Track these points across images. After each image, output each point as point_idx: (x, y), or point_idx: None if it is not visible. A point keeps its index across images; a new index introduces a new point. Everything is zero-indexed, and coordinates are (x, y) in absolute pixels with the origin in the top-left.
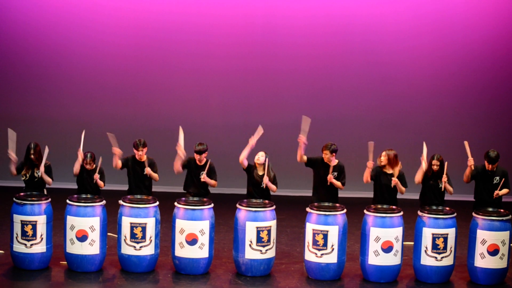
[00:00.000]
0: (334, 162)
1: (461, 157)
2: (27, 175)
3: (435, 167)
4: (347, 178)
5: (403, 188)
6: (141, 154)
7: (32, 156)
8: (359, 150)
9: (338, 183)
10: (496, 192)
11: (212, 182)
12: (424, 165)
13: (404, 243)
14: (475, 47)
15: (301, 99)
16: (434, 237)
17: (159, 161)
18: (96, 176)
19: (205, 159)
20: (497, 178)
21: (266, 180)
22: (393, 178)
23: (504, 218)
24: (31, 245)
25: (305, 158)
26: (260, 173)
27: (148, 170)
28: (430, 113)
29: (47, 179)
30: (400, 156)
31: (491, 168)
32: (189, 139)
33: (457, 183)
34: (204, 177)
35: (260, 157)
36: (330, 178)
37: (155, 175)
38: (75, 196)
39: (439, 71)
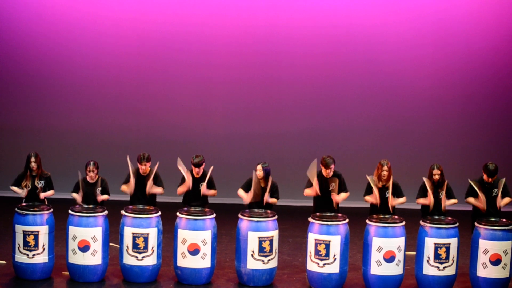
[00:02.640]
0: (332, 173)
1: (462, 165)
2: (29, 185)
3: (436, 177)
4: (349, 187)
5: (403, 200)
6: (145, 169)
7: (32, 165)
8: (361, 159)
9: (343, 197)
10: (498, 203)
11: (211, 192)
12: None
13: (406, 253)
14: (476, 57)
15: (304, 108)
16: (436, 247)
17: (161, 171)
18: (100, 198)
19: (202, 171)
20: (495, 190)
21: (266, 197)
22: (390, 204)
23: (506, 228)
24: (33, 255)
25: (307, 190)
26: (262, 185)
27: (150, 189)
28: (431, 122)
29: (49, 193)
30: (401, 165)
31: (490, 180)
32: (191, 149)
33: (457, 192)
34: (204, 190)
35: (259, 171)
36: (337, 201)
37: (158, 190)
38: (77, 206)
39: (441, 81)
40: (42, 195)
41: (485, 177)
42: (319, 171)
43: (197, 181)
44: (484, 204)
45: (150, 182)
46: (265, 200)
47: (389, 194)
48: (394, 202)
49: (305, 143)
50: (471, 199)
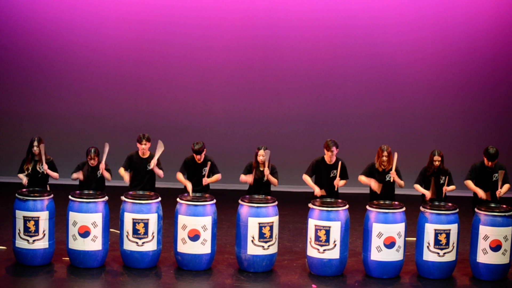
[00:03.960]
0: (334, 158)
1: (461, 150)
2: (30, 169)
3: (436, 163)
4: (350, 173)
5: (402, 182)
6: (145, 149)
7: (34, 149)
8: (361, 144)
9: (343, 182)
10: (498, 192)
11: (214, 178)
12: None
13: (406, 238)
14: (476, 41)
15: (304, 92)
16: (437, 233)
17: (162, 156)
18: (102, 166)
19: (204, 157)
20: (496, 175)
21: (267, 172)
22: (391, 172)
23: (506, 214)
24: (34, 241)
25: (307, 177)
26: (261, 168)
27: (154, 166)
28: (430, 107)
29: (53, 174)
30: (400, 150)
31: (490, 165)
32: (192, 134)
33: (457, 178)
34: (206, 181)
35: (261, 157)
36: (338, 184)
37: (159, 172)
38: (78, 192)
39: (441, 64)
40: (48, 170)
41: (485, 161)
42: (320, 158)
43: (198, 167)
44: (483, 194)
45: (154, 161)
46: (265, 174)
47: (392, 171)
48: (397, 179)
49: (305, 128)
50: (469, 183)
